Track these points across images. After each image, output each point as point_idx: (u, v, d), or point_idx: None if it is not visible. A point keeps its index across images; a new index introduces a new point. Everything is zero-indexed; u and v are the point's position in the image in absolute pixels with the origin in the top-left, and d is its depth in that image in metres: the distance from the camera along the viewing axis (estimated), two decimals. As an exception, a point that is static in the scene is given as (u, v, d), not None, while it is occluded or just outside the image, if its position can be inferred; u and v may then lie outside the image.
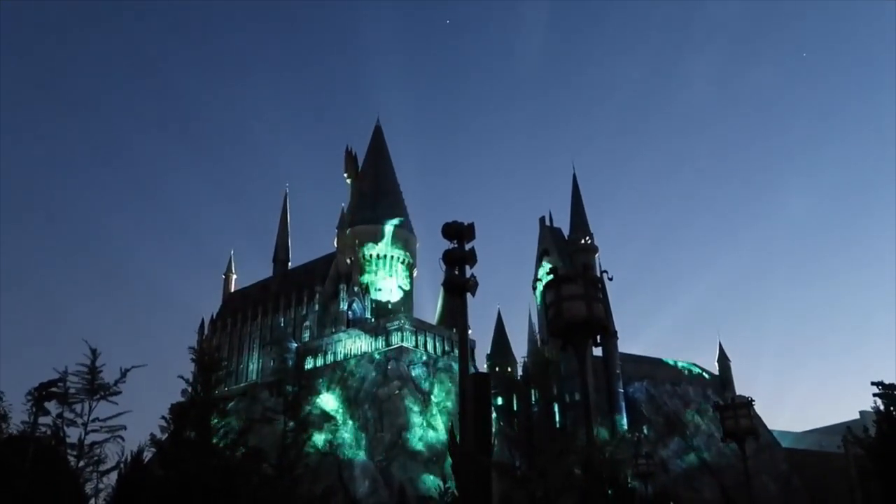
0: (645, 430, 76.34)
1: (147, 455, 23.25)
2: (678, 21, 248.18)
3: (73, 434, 18.01)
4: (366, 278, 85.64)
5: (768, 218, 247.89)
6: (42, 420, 17.29)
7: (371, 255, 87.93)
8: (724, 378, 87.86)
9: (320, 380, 71.65)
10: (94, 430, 16.31)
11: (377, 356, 70.76)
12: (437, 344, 74.38)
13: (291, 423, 28.31)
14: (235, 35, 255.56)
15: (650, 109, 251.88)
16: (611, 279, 8.79)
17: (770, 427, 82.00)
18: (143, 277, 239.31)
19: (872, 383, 33.80)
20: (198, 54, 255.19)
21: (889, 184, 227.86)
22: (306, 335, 79.80)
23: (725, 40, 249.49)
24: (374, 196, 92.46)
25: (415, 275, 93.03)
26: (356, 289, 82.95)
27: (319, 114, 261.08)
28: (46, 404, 16.62)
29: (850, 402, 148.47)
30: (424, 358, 71.52)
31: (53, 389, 17.10)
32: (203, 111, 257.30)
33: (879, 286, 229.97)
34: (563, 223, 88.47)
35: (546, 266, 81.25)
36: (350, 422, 65.79)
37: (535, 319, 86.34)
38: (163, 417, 21.77)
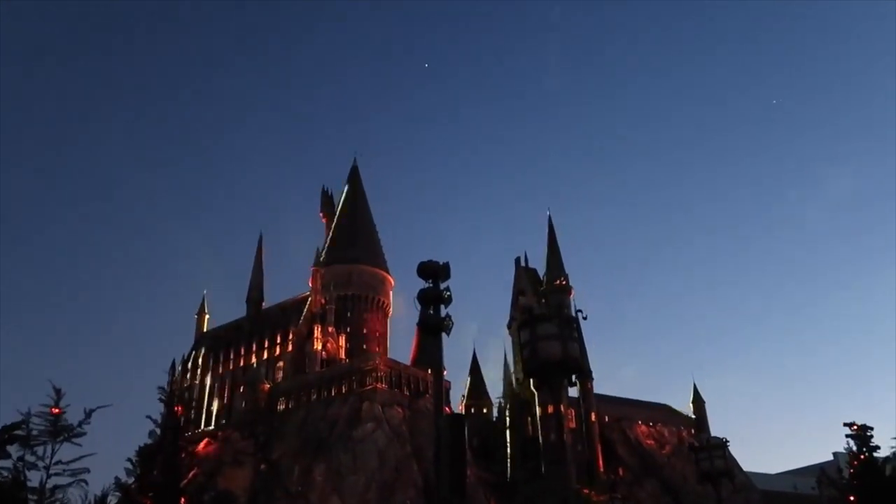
0: (621, 472, 75.90)
1: (111, 499, 22.55)
2: (652, 63, 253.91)
3: (34, 478, 17.44)
4: (340, 318, 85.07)
5: (742, 261, 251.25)
6: (2, 464, 16.74)
7: (346, 295, 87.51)
8: (699, 419, 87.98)
9: (292, 421, 70.62)
10: (56, 474, 15.79)
11: (351, 397, 69.98)
12: (412, 384, 73.78)
13: (262, 466, 27.73)
14: (212, 77, 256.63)
15: (626, 151, 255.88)
16: (585, 318, 8.80)
17: (745, 468, 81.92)
18: (114, 317, 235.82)
19: (845, 424, 33.94)
20: (174, 95, 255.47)
21: (890, 238, 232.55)
22: (279, 376, 78.83)
23: (705, 81, 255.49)
24: (350, 236, 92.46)
25: (390, 314, 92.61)
26: (330, 329, 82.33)
27: (297, 153, 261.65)
28: (8, 447, 16.11)
29: (825, 443, 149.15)
30: (399, 399, 70.86)
31: (17, 432, 16.59)
32: (178, 151, 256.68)
33: (854, 328, 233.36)
34: (539, 263, 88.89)
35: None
36: (322, 464, 64.64)
37: (510, 360, 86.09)
38: (129, 460, 21.18)
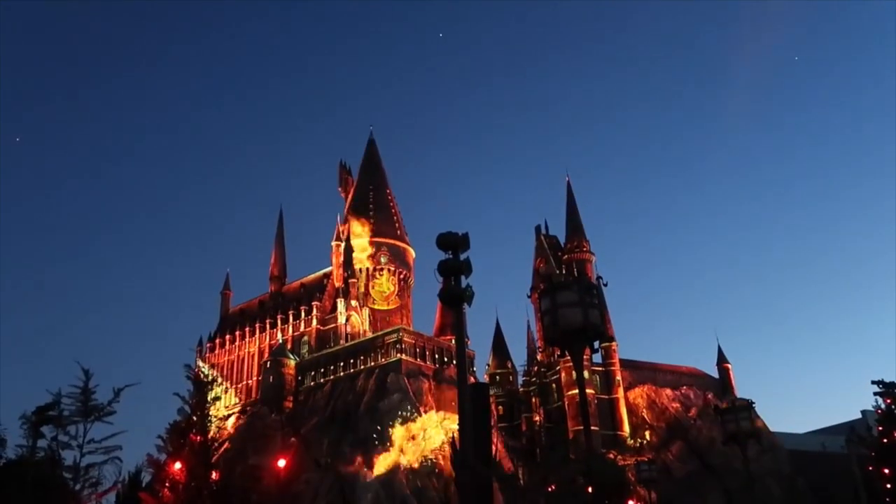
0: (647, 436, 76.09)
1: (145, 475, 23.06)
2: (672, 33, 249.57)
3: (68, 457, 17.80)
4: (362, 292, 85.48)
5: (766, 219, 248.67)
6: (39, 444, 17.10)
7: (368, 269, 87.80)
8: (724, 381, 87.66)
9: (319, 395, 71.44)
10: (89, 452, 16.14)
11: (376, 370, 70.54)
12: (436, 355, 74.18)
13: (291, 439, 28.09)
14: (227, 52, 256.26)
15: (644, 116, 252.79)
16: (605, 285, 8.71)
17: (772, 429, 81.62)
18: (140, 297, 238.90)
19: (873, 382, 33.70)
20: (191, 72, 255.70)
21: (889, 182, 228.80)
22: (304, 350, 79.58)
23: (721, 53, 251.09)
24: (369, 209, 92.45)
25: (412, 286, 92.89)
26: (353, 303, 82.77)
27: (313, 128, 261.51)
28: (42, 427, 16.44)
29: (853, 401, 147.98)
30: (424, 370, 71.35)
31: (50, 413, 16.88)
32: (196, 130, 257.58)
33: (879, 284, 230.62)
34: (560, 231, 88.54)
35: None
36: (350, 436, 65.42)
37: (533, 328, 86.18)
38: (159, 437, 21.60)
